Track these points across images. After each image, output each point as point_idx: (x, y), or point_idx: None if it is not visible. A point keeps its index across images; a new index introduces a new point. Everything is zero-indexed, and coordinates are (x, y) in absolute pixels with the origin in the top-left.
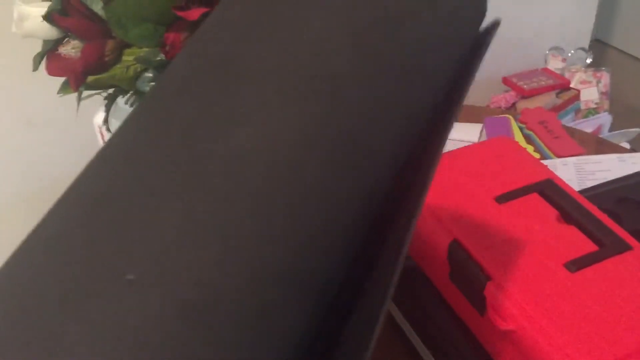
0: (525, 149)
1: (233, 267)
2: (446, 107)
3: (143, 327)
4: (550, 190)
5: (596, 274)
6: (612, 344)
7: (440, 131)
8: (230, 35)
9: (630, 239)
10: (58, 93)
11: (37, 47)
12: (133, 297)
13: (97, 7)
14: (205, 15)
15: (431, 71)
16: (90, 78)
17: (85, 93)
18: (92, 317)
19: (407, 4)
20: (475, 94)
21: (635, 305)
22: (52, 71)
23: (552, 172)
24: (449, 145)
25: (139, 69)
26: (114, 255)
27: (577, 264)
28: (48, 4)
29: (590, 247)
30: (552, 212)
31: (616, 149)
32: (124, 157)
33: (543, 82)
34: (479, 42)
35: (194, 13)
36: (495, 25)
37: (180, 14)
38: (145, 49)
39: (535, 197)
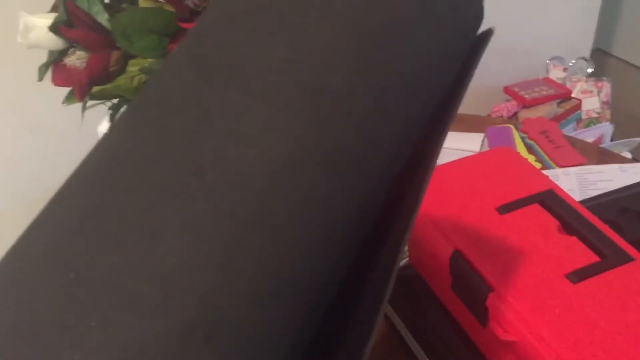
0: (526, 159)
1: (236, 283)
2: (440, 116)
3: (146, 348)
4: (552, 201)
5: (598, 285)
6: (614, 356)
7: (435, 138)
8: (229, 39)
9: (631, 250)
10: (63, 103)
11: (42, 57)
12: (136, 319)
13: (103, 19)
14: None
15: (429, 82)
16: (95, 88)
17: (90, 103)
18: (93, 339)
19: (405, 14)
20: (477, 104)
21: (637, 316)
22: (57, 81)
23: (553, 183)
24: (451, 155)
25: (143, 80)
26: (116, 274)
27: (578, 275)
28: (54, 15)
29: (592, 258)
30: (553, 223)
31: (618, 158)
32: (119, 163)
33: (544, 92)
34: (473, 49)
35: None
36: (489, 33)
37: (184, 25)
38: (150, 60)
39: (536, 207)
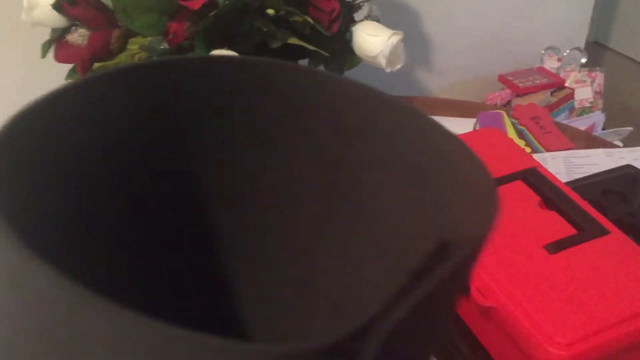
0: (512, 139)
1: None
2: None
3: None
4: (534, 178)
5: (574, 256)
6: (585, 320)
7: None
8: None
9: (608, 225)
10: (66, 79)
11: (42, 36)
12: None
13: None
14: (206, 6)
15: None
16: (96, 65)
17: None
18: None
19: None
20: (472, 91)
21: (608, 284)
22: (60, 58)
23: (537, 162)
24: None
25: (143, 57)
26: None
27: (556, 246)
28: None
29: (570, 231)
30: (535, 198)
31: (606, 144)
32: None
33: (538, 81)
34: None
35: (197, 3)
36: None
37: (183, 3)
38: (149, 38)
39: (519, 184)
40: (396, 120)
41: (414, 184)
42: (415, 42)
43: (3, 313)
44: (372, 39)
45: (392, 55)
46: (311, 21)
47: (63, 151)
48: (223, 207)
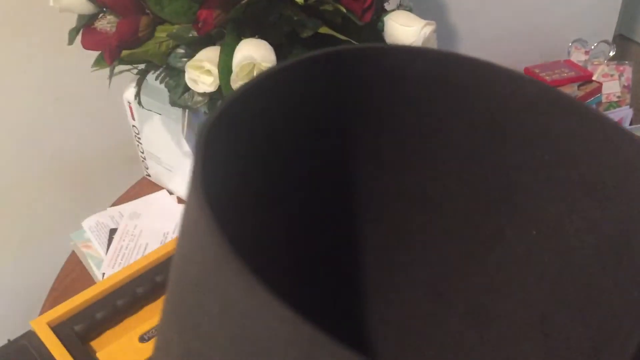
0: None
1: None
2: None
3: None
4: None
5: None
6: None
7: None
8: None
9: None
10: (92, 67)
11: (69, 23)
12: None
13: None
14: None
15: None
16: (124, 52)
17: (118, 68)
18: None
19: None
20: None
21: None
22: (87, 45)
23: None
24: None
25: (171, 45)
26: None
27: None
28: None
29: None
30: None
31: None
32: None
33: (565, 74)
34: None
35: None
36: None
37: None
38: (178, 26)
39: None
40: (576, 125)
41: (595, 197)
42: (442, 33)
43: (218, 347)
44: (405, 29)
45: (425, 46)
46: (343, 10)
47: (263, 139)
48: (364, 195)
